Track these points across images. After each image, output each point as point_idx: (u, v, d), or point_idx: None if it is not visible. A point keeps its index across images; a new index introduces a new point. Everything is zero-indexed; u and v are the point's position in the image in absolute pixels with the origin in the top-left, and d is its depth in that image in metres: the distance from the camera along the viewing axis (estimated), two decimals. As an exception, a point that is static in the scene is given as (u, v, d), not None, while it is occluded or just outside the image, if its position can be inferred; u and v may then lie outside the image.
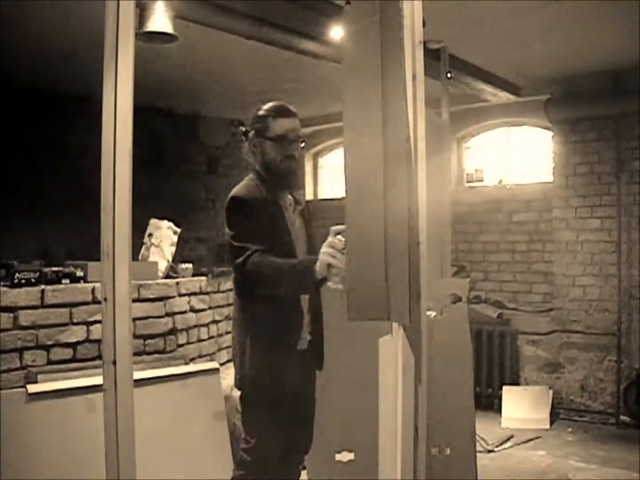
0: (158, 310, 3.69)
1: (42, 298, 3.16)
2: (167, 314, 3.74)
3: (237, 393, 2.48)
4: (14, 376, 3.02)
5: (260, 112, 2.42)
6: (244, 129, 2.48)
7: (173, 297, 3.81)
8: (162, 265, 3.96)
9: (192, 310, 4.01)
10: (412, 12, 1.60)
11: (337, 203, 6.87)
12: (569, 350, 5.48)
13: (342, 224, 2.04)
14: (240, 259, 2.23)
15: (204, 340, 4.14)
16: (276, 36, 3.81)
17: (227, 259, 2.37)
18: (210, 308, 4.23)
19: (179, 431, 3.20)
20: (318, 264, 2.06)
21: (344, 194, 1.62)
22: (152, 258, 4.01)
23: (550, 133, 5.71)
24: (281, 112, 2.42)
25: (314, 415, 2.57)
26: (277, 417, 2.34)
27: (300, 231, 2.46)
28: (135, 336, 3.45)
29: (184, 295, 3.93)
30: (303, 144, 2.48)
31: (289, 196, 2.44)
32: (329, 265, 2.03)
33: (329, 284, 2.07)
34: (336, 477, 2.82)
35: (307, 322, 2.43)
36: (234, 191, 2.36)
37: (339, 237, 2.04)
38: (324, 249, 2.06)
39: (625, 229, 5.21)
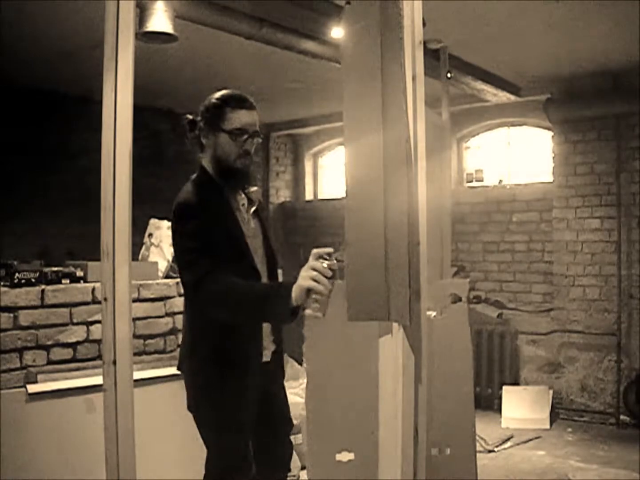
0: (158, 310, 3.69)
1: (42, 298, 3.15)
2: (167, 314, 3.74)
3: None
4: (14, 376, 3.01)
5: (216, 101, 2.14)
6: (190, 118, 2.18)
7: (173, 297, 3.80)
8: (162, 265, 3.96)
9: (192, 310, 4.01)
10: (412, 12, 1.60)
11: (337, 203, 6.88)
12: (569, 350, 5.48)
13: (324, 245, 1.87)
14: (191, 279, 1.97)
15: (204, 340, 4.14)
16: (276, 36, 3.81)
17: (177, 275, 2.08)
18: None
19: (179, 431, 3.20)
20: (295, 289, 1.79)
21: (344, 194, 1.62)
22: (152, 258, 4.01)
23: (550, 133, 5.71)
24: (240, 102, 2.14)
25: (289, 431, 2.39)
26: (240, 441, 2.16)
27: (256, 233, 2.24)
28: (135, 336, 3.45)
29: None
30: (260, 140, 2.21)
31: (242, 195, 2.20)
32: (309, 291, 1.78)
33: (307, 311, 1.81)
34: (336, 477, 2.82)
35: (269, 329, 2.22)
36: (181, 197, 2.09)
37: (321, 260, 1.79)
38: (305, 272, 1.79)
39: (625, 229, 5.21)
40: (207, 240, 2.01)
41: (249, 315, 1.99)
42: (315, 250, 1.83)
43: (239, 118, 2.12)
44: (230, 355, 2.10)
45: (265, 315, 2.00)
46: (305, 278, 1.78)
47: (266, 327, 2.20)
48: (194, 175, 2.21)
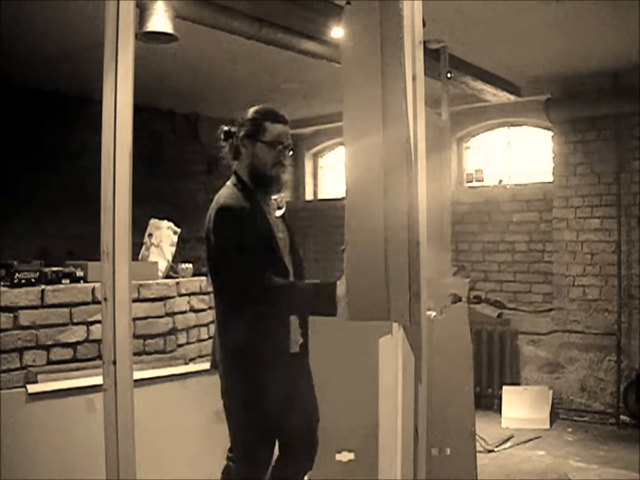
0: (158, 310, 3.69)
1: (42, 298, 3.16)
2: (167, 314, 3.74)
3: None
4: (14, 376, 3.01)
5: (255, 115, 2.33)
6: (227, 129, 2.36)
7: (173, 297, 3.81)
8: (162, 265, 3.96)
9: (192, 310, 4.01)
10: (412, 12, 1.61)
11: (337, 203, 6.88)
12: (569, 350, 5.48)
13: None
14: (258, 283, 2.14)
15: (204, 340, 4.14)
16: (276, 36, 3.81)
17: (223, 277, 2.23)
18: (210, 308, 4.23)
19: (179, 431, 3.20)
20: (339, 286, 2.04)
21: (344, 194, 1.62)
22: (152, 258, 4.01)
23: (550, 133, 5.71)
24: (276, 116, 2.34)
25: (316, 421, 2.47)
26: (269, 434, 2.27)
27: (284, 235, 2.41)
28: (135, 336, 3.45)
29: (184, 295, 3.93)
30: (292, 153, 2.39)
31: (272, 201, 2.38)
32: None
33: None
34: (336, 477, 2.82)
35: (297, 322, 2.34)
36: (222, 200, 2.25)
37: None
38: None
39: (625, 229, 5.21)
40: (250, 242, 2.17)
41: (304, 310, 2.24)
42: None
43: (276, 131, 2.31)
44: (260, 350, 2.21)
45: (316, 310, 2.19)
46: None
47: (294, 319, 2.32)
48: (230, 181, 2.35)
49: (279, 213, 2.39)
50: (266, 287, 2.14)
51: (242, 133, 2.31)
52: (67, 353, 3.24)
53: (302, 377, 2.41)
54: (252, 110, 2.35)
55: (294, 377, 2.32)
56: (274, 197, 2.38)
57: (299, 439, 2.42)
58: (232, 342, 2.28)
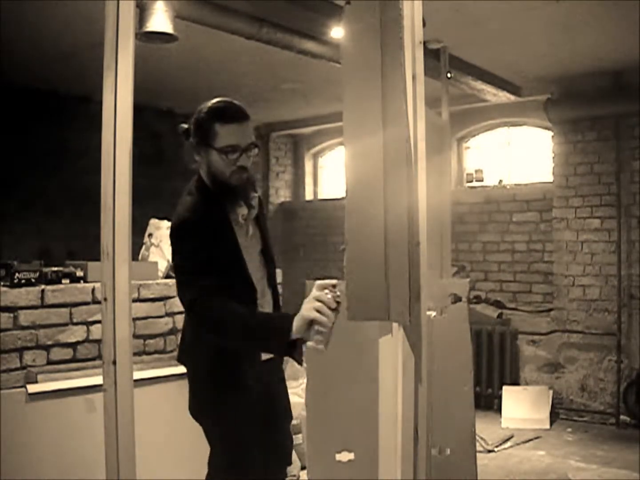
0: (158, 310, 3.69)
1: (42, 298, 3.16)
2: (167, 314, 3.74)
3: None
4: (14, 376, 3.01)
5: (204, 115, 2.02)
6: (185, 127, 2.10)
7: (173, 297, 3.80)
8: (162, 265, 3.96)
9: (192, 310, 4.01)
10: (412, 12, 1.60)
11: (337, 203, 6.88)
12: (569, 350, 5.48)
13: (328, 277, 1.84)
14: (186, 300, 1.97)
15: (204, 340, 4.14)
16: (276, 36, 3.81)
17: (178, 294, 2.07)
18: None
19: (179, 431, 3.20)
20: (297, 320, 1.75)
21: (344, 194, 1.62)
22: (152, 258, 4.01)
23: (550, 133, 5.71)
24: (230, 116, 2.00)
25: (289, 424, 2.42)
26: (243, 443, 2.16)
27: (254, 241, 2.22)
28: (135, 336, 3.45)
29: (184, 295, 3.93)
30: (257, 150, 2.09)
31: (241, 205, 2.12)
32: (312, 322, 1.73)
33: (309, 344, 1.77)
34: (336, 477, 2.82)
35: None
36: (180, 214, 2.04)
37: (326, 291, 1.76)
38: (309, 303, 1.75)
39: (625, 229, 5.21)
40: (203, 259, 1.98)
41: (245, 344, 1.98)
42: (319, 282, 1.79)
43: (230, 135, 2.00)
44: (228, 359, 2.11)
45: (262, 346, 1.99)
46: (308, 309, 1.74)
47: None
48: (191, 186, 2.13)
49: (250, 216, 2.17)
50: (194, 311, 1.96)
51: (193, 139, 2.06)
52: (67, 353, 3.24)
53: (274, 381, 2.32)
54: (201, 108, 2.06)
55: (265, 383, 2.20)
56: (245, 200, 2.13)
57: (275, 442, 2.33)
58: (195, 349, 2.17)
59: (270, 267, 2.31)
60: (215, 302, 1.91)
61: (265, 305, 2.25)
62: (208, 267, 1.96)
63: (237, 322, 1.89)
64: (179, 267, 2.07)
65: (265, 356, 2.19)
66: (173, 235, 2.07)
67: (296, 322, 1.75)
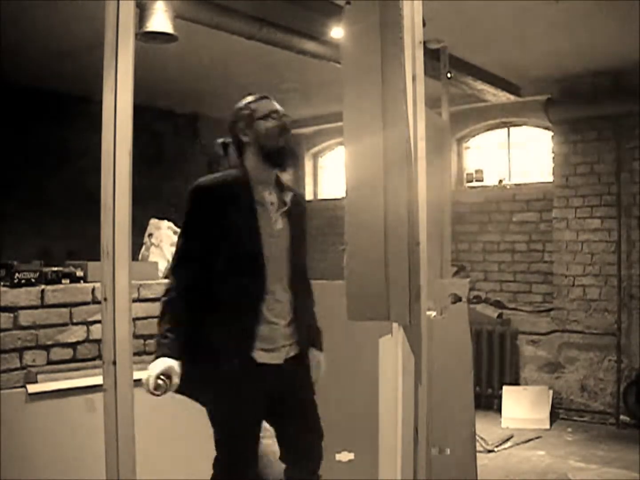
0: (158, 310, 3.68)
1: (42, 298, 3.15)
2: (167, 314, 3.73)
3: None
4: (14, 376, 3.01)
5: (238, 106, 2.35)
6: (222, 141, 2.38)
7: (173, 297, 3.80)
8: (162, 265, 3.96)
9: (192, 310, 4.00)
10: (412, 12, 1.60)
11: (337, 203, 6.88)
12: (569, 350, 5.48)
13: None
14: (174, 276, 2.24)
15: (204, 340, 4.13)
16: (276, 36, 3.81)
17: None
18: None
19: (179, 431, 3.20)
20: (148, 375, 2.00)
21: (344, 194, 1.62)
22: (152, 258, 4.00)
23: (550, 133, 5.71)
24: (256, 97, 2.36)
25: (315, 439, 2.34)
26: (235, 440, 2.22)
27: (281, 234, 2.23)
28: (135, 336, 3.45)
29: (184, 295, 3.92)
30: (289, 119, 2.33)
31: (272, 194, 2.25)
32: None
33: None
34: (336, 477, 2.82)
35: (288, 332, 2.23)
36: (202, 179, 2.20)
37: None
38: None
39: (625, 229, 5.21)
40: (202, 229, 2.14)
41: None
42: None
43: (264, 106, 2.30)
44: (215, 353, 2.15)
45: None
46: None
47: (283, 328, 2.21)
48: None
49: (280, 209, 2.24)
50: (172, 283, 2.21)
51: (238, 125, 2.29)
52: (67, 353, 3.24)
53: (289, 388, 2.24)
54: (236, 105, 2.37)
55: (274, 387, 2.19)
56: (279, 193, 2.27)
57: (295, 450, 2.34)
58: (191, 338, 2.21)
59: (293, 270, 2.26)
60: (175, 298, 2.19)
61: (278, 308, 2.20)
62: (197, 249, 2.15)
63: (165, 322, 2.16)
64: (180, 234, 2.27)
65: (274, 360, 2.18)
66: (186, 199, 2.21)
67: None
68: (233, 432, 2.21)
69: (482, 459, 4.09)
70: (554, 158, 5.61)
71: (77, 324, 3.28)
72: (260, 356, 2.15)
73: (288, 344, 2.22)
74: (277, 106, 2.32)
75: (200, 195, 2.17)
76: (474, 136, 6.53)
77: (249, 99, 2.36)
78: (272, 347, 2.17)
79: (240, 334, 2.14)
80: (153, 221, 4.17)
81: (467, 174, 6.47)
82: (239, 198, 2.17)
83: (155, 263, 3.91)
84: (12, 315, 3.04)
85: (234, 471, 2.21)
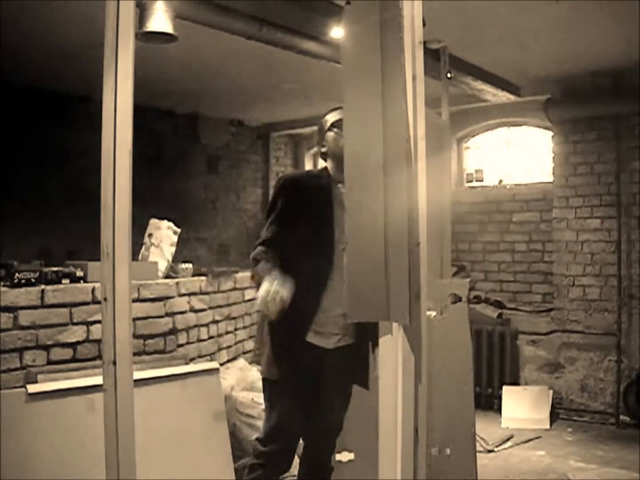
0: (158, 310, 3.68)
1: (42, 298, 3.15)
2: (167, 314, 3.74)
3: (238, 393, 2.56)
4: (14, 376, 3.01)
5: (323, 119, 2.65)
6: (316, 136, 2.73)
7: (173, 297, 3.80)
8: (162, 265, 3.96)
9: (192, 310, 4.01)
10: (412, 12, 1.60)
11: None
12: (569, 350, 5.48)
13: None
14: (257, 241, 2.46)
15: (204, 340, 4.14)
16: (276, 36, 3.81)
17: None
18: (210, 308, 4.23)
19: (179, 431, 3.20)
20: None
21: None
22: (152, 258, 4.01)
23: (550, 133, 5.71)
24: (335, 108, 2.59)
25: (333, 430, 2.65)
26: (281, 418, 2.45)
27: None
28: (135, 336, 3.45)
29: (184, 295, 3.93)
30: None
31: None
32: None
33: None
34: (336, 477, 2.82)
35: (341, 322, 2.43)
36: (289, 172, 2.52)
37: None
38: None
39: (625, 229, 5.21)
40: (285, 208, 2.44)
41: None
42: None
43: (333, 116, 2.58)
44: (281, 334, 2.41)
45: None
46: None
47: (337, 317, 2.39)
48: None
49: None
50: (256, 248, 2.42)
51: (318, 137, 2.67)
52: (67, 353, 3.24)
53: (330, 377, 2.49)
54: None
55: (317, 372, 2.45)
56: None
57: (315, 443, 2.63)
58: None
59: None
60: (262, 249, 2.40)
61: (336, 296, 2.36)
62: (280, 223, 2.44)
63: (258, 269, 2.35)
64: (268, 205, 2.57)
65: (324, 344, 2.42)
66: (274, 186, 2.57)
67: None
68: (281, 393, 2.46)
69: (482, 459, 4.09)
70: (554, 158, 5.61)
71: (77, 324, 3.28)
72: (310, 336, 2.40)
73: (341, 333, 2.43)
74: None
75: (287, 185, 2.50)
76: (474, 136, 6.53)
77: (327, 113, 2.65)
78: (322, 331, 2.41)
79: (301, 312, 2.34)
80: (153, 221, 4.18)
81: (467, 174, 6.48)
82: (321, 191, 2.48)
83: (155, 263, 3.91)
84: (12, 315, 3.04)
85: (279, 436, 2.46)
